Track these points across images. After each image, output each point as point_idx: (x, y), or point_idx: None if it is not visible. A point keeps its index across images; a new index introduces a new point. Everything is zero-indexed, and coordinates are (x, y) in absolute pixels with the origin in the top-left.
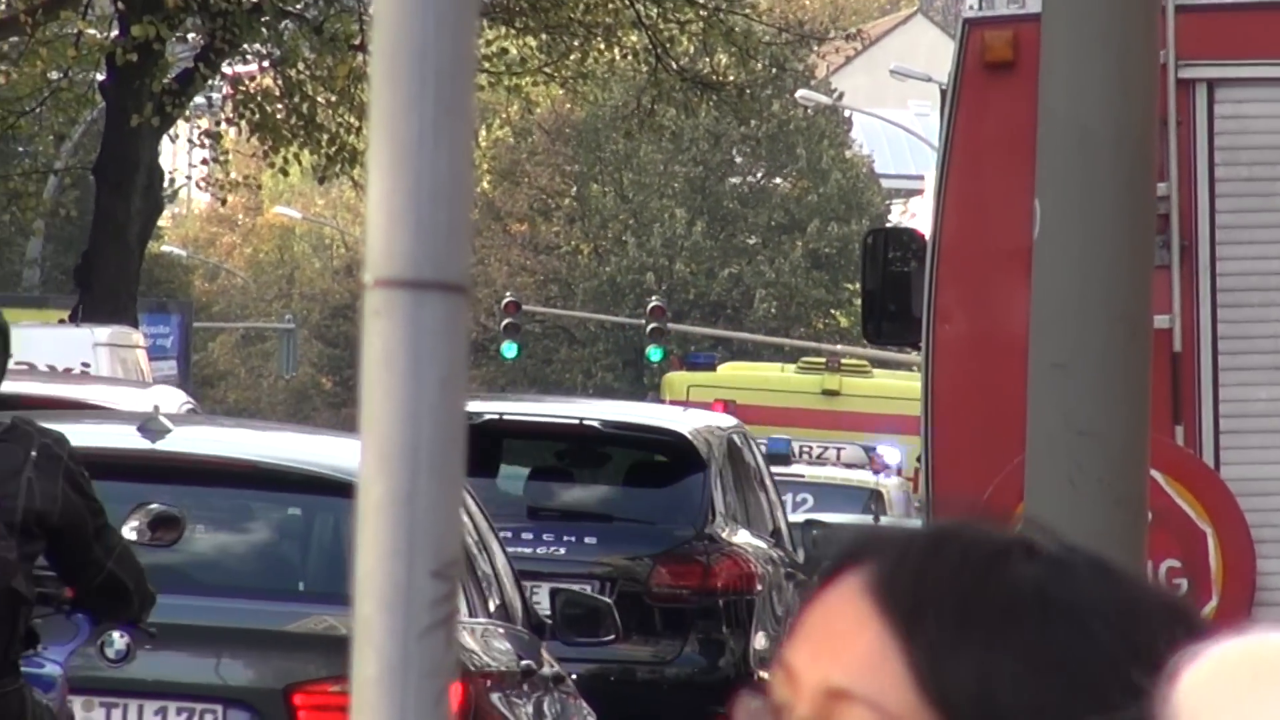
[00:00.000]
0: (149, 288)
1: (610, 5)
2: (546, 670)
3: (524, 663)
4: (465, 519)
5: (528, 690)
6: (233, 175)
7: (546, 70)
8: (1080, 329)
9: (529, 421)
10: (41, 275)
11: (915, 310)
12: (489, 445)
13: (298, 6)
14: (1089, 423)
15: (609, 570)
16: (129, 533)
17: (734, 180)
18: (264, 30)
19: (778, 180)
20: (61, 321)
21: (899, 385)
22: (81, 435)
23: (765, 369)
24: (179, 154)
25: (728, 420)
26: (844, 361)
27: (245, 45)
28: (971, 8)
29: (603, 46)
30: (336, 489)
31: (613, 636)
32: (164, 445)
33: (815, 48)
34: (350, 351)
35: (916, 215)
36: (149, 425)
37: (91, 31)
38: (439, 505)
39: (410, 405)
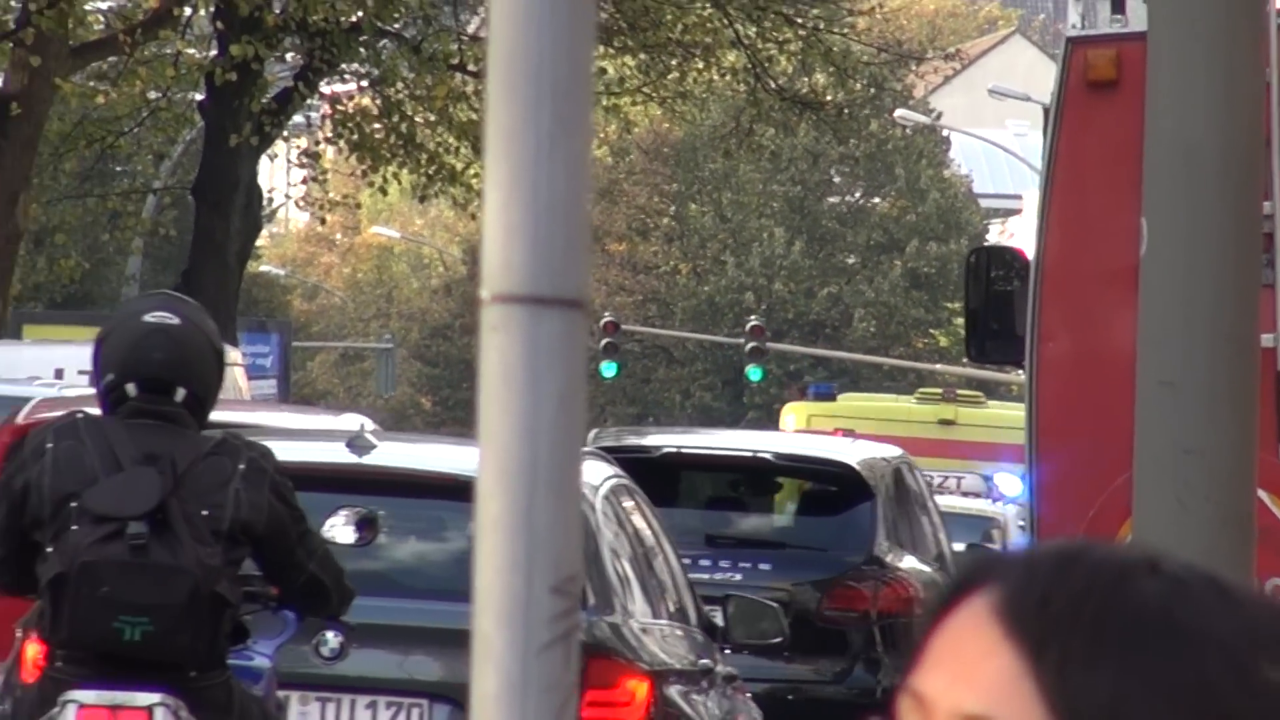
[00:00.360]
0: (248, 307)
1: (709, 25)
2: (720, 670)
3: (701, 662)
4: (642, 523)
5: (705, 687)
6: (331, 194)
7: (645, 90)
8: (1187, 347)
9: (706, 454)
10: (140, 294)
11: (1018, 329)
12: (668, 476)
13: (396, 26)
14: (1196, 441)
15: (782, 594)
16: (329, 533)
17: (832, 199)
18: (362, 50)
19: (876, 200)
20: None
21: (1013, 415)
22: (296, 451)
23: (883, 399)
24: (277, 173)
25: (893, 450)
26: (959, 393)
27: (344, 65)
28: (1074, 26)
29: (701, 66)
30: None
31: (780, 639)
32: (370, 460)
33: (914, 67)
34: (449, 371)
35: (1014, 235)
36: (356, 442)
37: (190, 51)
38: (557, 521)
39: (528, 421)
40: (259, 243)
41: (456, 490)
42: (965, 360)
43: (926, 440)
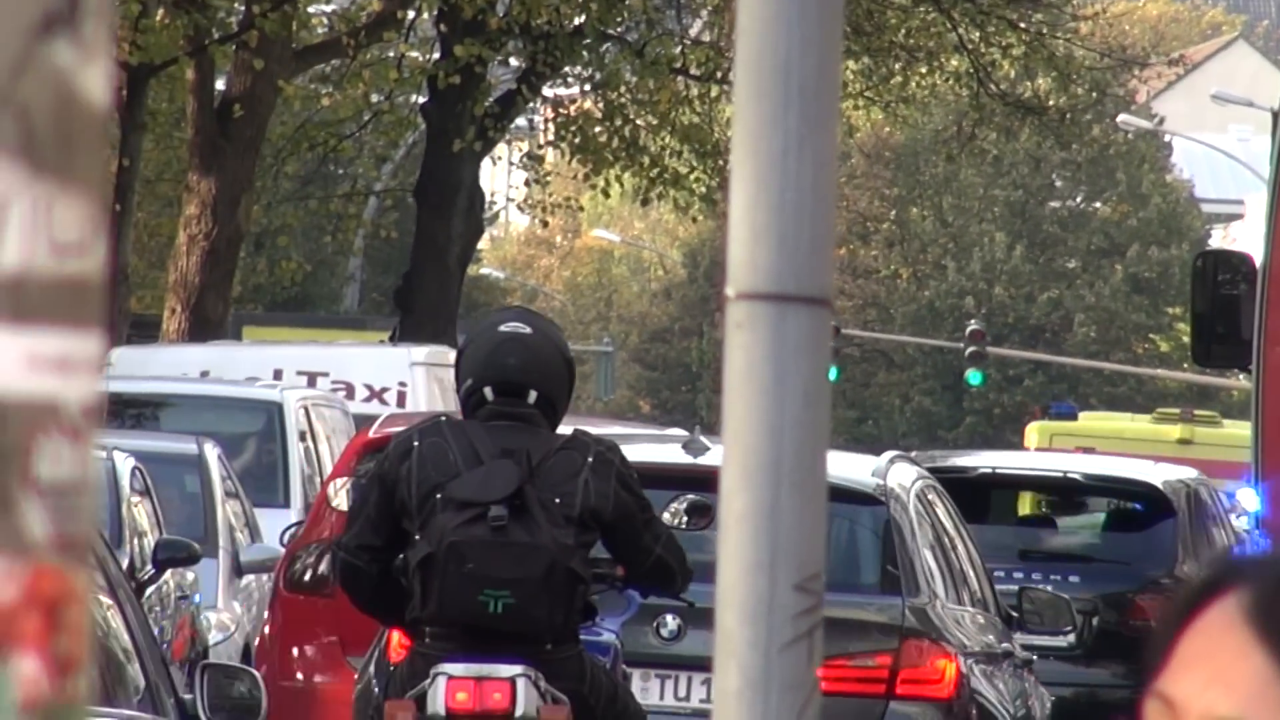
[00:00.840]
0: (468, 310)
1: (933, 29)
2: (1019, 654)
3: (1001, 645)
4: (942, 514)
5: (1005, 669)
6: (553, 197)
7: (868, 94)
8: None
9: (1018, 474)
10: (360, 297)
11: (1244, 333)
12: (982, 495)
13: (619, 29)
14: None
15: (1090, 606)
16: (668, 519)
17: (1054, 204)
18: (585, 53)
19: (1097, 204)
20: (381, 342)
21: (1248, 434)
22: (638, 453)
23: (1121, 418)
24: (498, 176)
25: (1191, 472)
26: (1196, 413)
27: (566, 68)
28: None
29: (924, 70)
30: (835, 495)
31: (1070, 629)
32: (704, 460)
33: (1136, 72)
34: (668, 374)
35: (1237, 240)
36: (691, 445)
37: (413, 54)
38: (802, 519)
39: (773, 418)
40: (480, 246)
41: None
42: (1186, 365)
43: (1165, 459)
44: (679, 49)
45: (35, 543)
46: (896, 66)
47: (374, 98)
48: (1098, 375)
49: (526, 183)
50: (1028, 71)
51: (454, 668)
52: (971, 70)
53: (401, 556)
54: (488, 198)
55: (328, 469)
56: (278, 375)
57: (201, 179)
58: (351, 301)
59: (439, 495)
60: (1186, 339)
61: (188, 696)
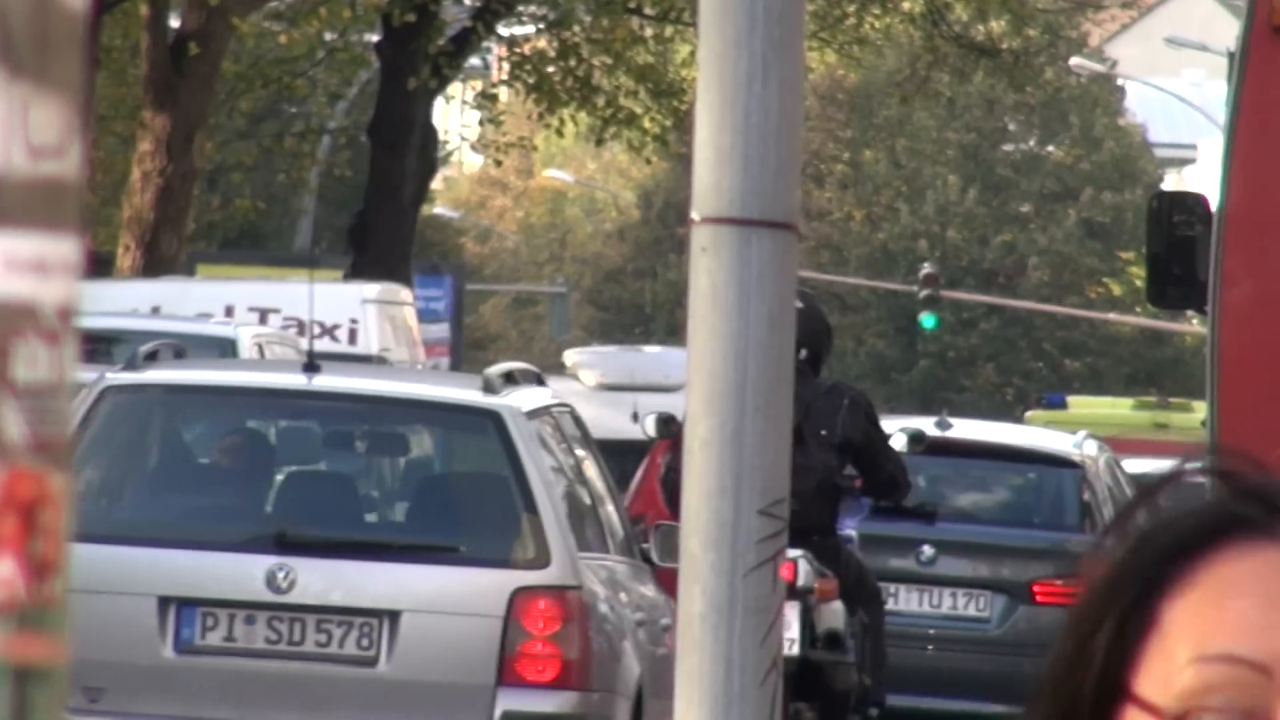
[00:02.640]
0: (420, 250)
1: None
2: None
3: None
4: (1118, 475)
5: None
6: (506, 137)
7: (821, 35)
8: None
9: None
10: (314, 236)
11: (1200, 274)
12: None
13: None
14: None
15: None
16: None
17: (1007, 147)
18: None
19: (1051, 148)
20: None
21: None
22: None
23: (1103, 404)
24: (451, 115)
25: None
26: (1171, 400)
27: (521, 7)
28: None
29: (878, 12)
30: (1048, 460)
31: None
32: (951, 434)
33: (1090, 15)
34: (622, 315)
35: (1190, 185)
36: (939, 424)
37: None
38: (766, 443)
39: (737, 342)
40: (433, 186)
41: (1014, 455)
42: (1139, 309)
43: (1143, 441)
44: None
45: (12, 445)
46: (851, 8)
47: (328, 35)
48: (1051, 319)
49: (480, 122)
50: (981, 14)
51: None
52: (925, 12)
53: None
54: (441, 137)
55: None
56: (229, 312)
57: (155, 115)
58: (305, 240)
59: None
60: (1139, 283)
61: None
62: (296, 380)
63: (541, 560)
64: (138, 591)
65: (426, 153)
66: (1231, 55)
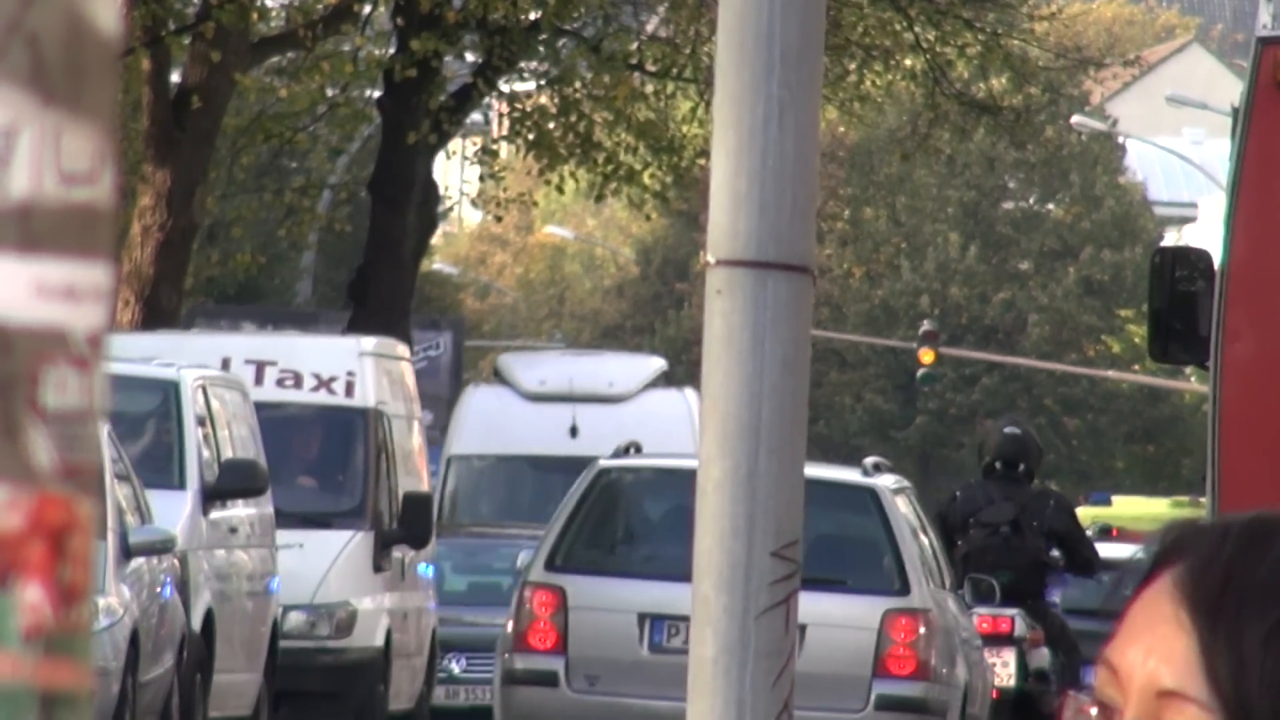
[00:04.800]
0: (420, 305)
1: (889, 28)
2: None
3: None
4: None
5: None
6: (507, 192)
7: (823, 92)
8: None
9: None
10: (314, 291)
11: (1202, 330)
12: None
13: (575, 25)
14: None
15: None
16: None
17: (1008, 205)
18: (541, 48)
19: (1051, 206)
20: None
21: None
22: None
23: (1143, 502)
24: (451, 171)
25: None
26: (1200, 500)
27: (522, 63)
28: (1265, 26)
29: (880, 69)
30: None
31: None
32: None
33: (1091, 73)
34: None
35: (1190, 243)
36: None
37: (370, 48)
38: (780, 485)
39: (752, 384)
40: (432, 241)
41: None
42: (1137, 367)
43: None
44: (635, 45)
45: (40, 471)
46: (852, 65)
47: (329, 91)
48: (1050, 376)
49: (480, 178)
50: (983, 71)
51: (980, 609)
52: (927, 69)
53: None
54: (441, 192)
55: (227, 452)
56: (225, 364)
57: (156, 170)
58: (305, 295)
59: (972, 519)
60: (1139, 340)
61: None
62: None
63: (904, 590)
64: (625, 610)
65: (427, 208)
66: (1235, 111)
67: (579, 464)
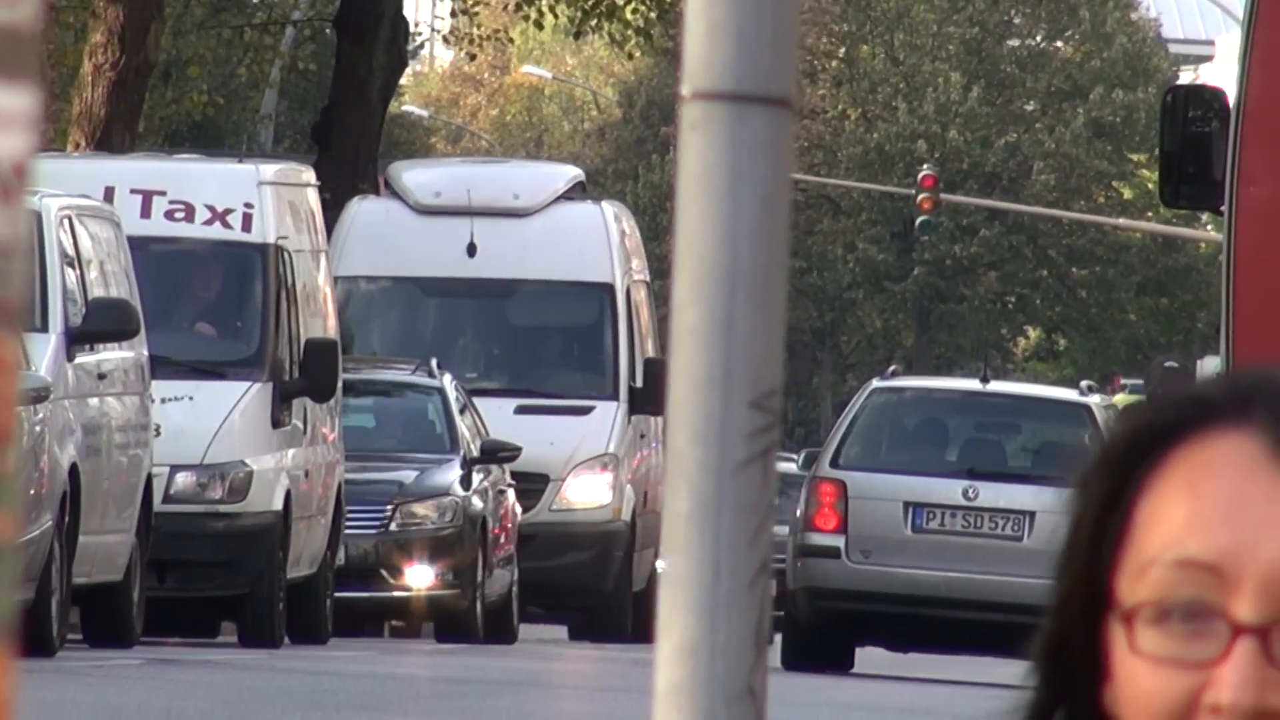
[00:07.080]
0: (388, 149)
1: None
2: None
3: None
4: None
5: None
6: (481, 29)
7: None
8: None
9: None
10: (276, 133)
11: (1217, 172)
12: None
13: None
14: None
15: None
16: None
17: (1012, 42)
18: None
19: (1059, 43)
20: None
21: None
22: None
23: None
24: (422, 6)
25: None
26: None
27: None
28: None
29: None
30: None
31: None
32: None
33: None
34: None
35: (1206, 83)
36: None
37: None
38: (758, 332)
39: (729, 225)
40: (402, 81)
41: None
42: (1150, 215)
43: None
44: None
45: None
46: None
47: None
48: (1057, 225)
49: (453, 13)
50: None
51: None
52: None
53: None
54: (412, 29)
55: (97, 292)
56: (108, 193)
57: (109, 5)
58: (267, 138)
59: None
60: (1151, 186)
61: None
62: (973, 384)
63: None
64: (893, 499)
65: (396, 46)
66: None
67: (477, 287)
